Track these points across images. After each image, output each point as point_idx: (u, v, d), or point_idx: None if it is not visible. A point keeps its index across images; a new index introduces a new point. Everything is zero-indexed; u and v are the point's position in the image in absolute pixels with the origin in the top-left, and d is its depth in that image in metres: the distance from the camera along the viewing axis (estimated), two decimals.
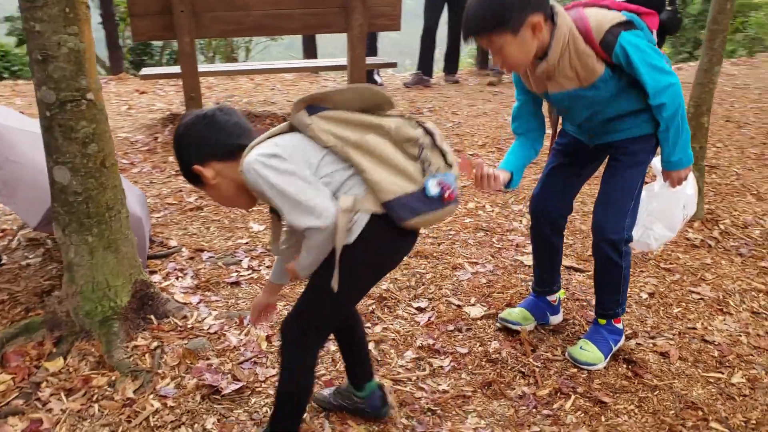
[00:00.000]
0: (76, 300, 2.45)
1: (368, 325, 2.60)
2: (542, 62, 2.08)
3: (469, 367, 2.37)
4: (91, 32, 2.35)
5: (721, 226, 3.62)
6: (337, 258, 1.60)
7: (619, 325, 2.45)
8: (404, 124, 1.66)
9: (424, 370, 2.35)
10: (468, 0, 2.04)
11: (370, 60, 5.79)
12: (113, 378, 2.25)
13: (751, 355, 2.50)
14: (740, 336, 2.62)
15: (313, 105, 1.67)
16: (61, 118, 2.28)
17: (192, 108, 5.42)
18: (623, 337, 2.47)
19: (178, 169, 1.92)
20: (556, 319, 2.66)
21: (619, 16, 2.06)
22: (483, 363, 2.40)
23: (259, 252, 3.20)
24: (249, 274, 3.00)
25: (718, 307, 2.82)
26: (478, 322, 2.65)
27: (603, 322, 2.43)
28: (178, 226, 3.51)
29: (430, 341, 2.49)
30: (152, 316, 2.57)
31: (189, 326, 2.54)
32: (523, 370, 2.36)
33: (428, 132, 1.67)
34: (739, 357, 2.48)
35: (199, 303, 2.72)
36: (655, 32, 2.18)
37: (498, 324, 2.61)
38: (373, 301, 2.77)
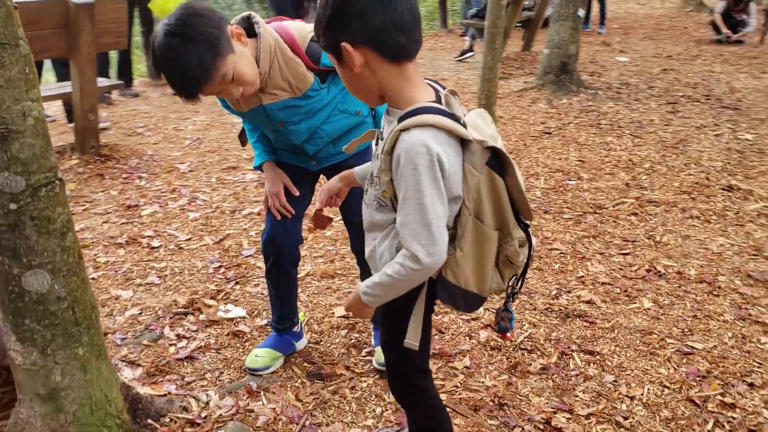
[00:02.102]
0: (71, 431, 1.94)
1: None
2: None
3: (484, 359, 2.59)
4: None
5: None
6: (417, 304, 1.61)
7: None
8: (522, 245, 1.59)
9: (456, 375, 2.48)
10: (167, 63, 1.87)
11: (100, 82, 5.17)
12: None
13: (635, 285, 3.21)
14: (613, 272, 3.33)
15: (496, 155, 1.46)
16: (34, 209, 1.78)
17: None
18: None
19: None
20: (302, 343, 2.66)
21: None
22: (491, 353, 2.63)
23: (169, 319, 2.82)
24: (188, 344, 2.65)
25: (580, 256, 3.50)
26: (445, 318, 2.86)
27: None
28: None
29: (436, 346, 2.62)
30: (150, 420, 2.16)
31: (202, 416, 2.21)
32: (524, 347, 2.67)
33: (528, 259, 1.63)
34: (631, 288, 3.17)
35: (178, 389, 2.35)
36: None
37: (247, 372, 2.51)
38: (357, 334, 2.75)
